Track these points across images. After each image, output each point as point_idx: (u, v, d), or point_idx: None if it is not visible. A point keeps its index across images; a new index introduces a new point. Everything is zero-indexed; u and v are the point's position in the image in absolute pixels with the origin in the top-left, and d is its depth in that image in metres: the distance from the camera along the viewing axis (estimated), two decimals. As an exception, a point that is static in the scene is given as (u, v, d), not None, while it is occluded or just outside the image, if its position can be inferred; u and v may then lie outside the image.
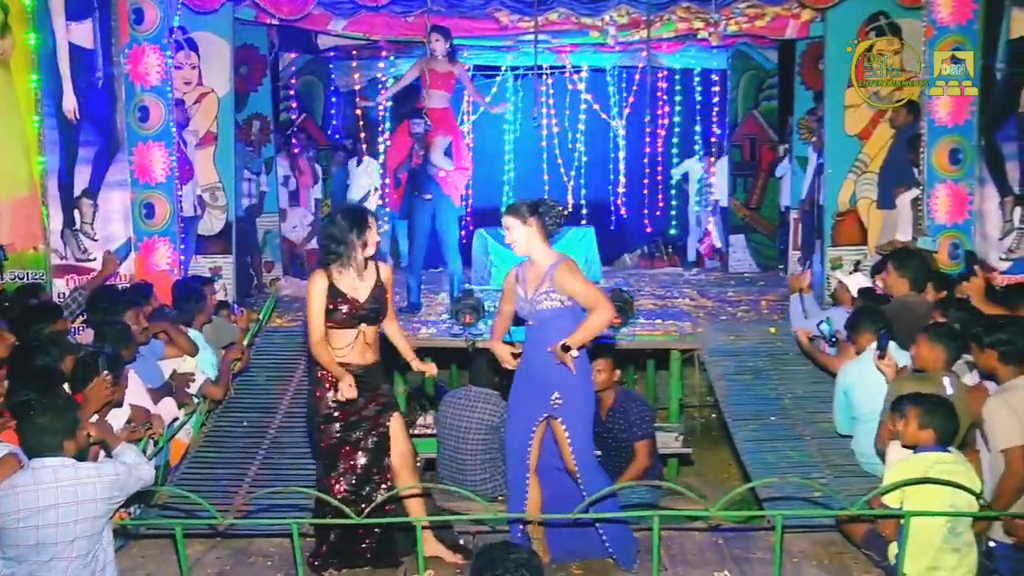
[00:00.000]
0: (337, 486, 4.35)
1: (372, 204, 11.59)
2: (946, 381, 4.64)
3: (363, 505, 4.21)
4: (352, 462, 4.38)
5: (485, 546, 3.01)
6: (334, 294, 4.29)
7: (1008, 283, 6.74)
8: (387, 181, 11.59)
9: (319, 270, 4.35)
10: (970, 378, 4.86)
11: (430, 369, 4.78)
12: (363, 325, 4.34)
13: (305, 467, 5.75)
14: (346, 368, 4.31)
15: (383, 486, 4.37)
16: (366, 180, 10.79)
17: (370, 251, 4.33)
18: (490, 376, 6.57)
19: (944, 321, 5.05)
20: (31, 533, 3.50)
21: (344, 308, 4.29)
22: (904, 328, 5.26)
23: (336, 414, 4.36)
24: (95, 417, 4.44)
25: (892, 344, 5.20)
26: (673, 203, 12.44)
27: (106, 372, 4.49)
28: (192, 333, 6.06)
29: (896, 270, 5.89)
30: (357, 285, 4.32)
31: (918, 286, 5.85)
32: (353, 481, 4.37)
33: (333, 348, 4.34)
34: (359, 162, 10.92)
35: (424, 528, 4.24)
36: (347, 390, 4.25)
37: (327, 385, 4.35)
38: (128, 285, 6.72)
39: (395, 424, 4.43)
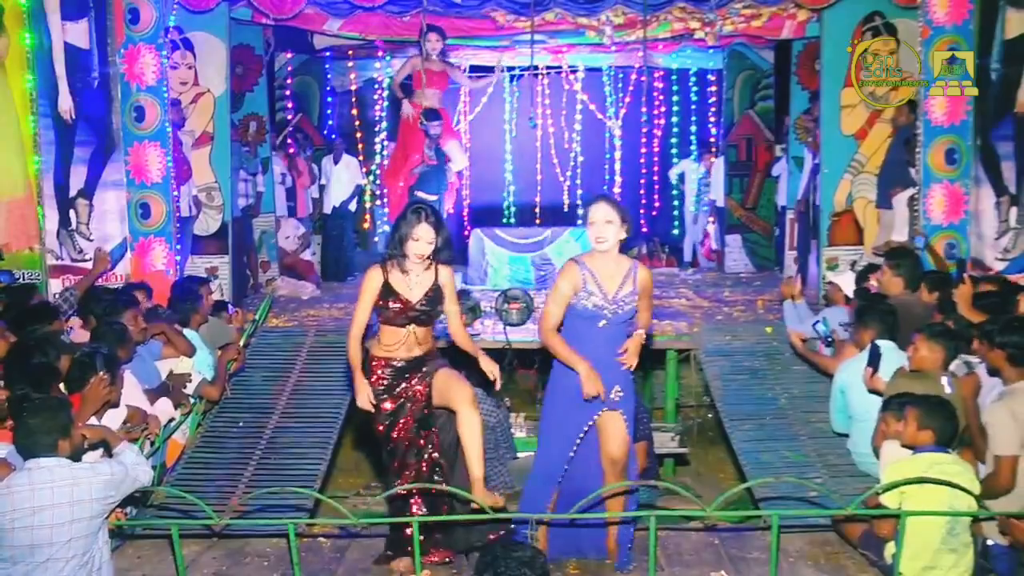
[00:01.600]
0: (406, 472, 4.36)
1: (366, 203, 11.64)
2: (944, 381, 4.65)
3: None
4: (407, 443, 4.37)
5: (487, 544, 2.98)
6: (387, 291, 4.27)
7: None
8: (371, 180, 11.65)
9: (377, 264, 4.33)
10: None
11: (493, 370, 4.44)
12: (412, 326, 4.30)
13: (301, 467, 5.76)
14: (390, 362, 4.32)
15: (436, 453, 4.40)
16: (347, 177, 10.55)
17: (417, 251, 4.22)
18: (487, 376, 6.56)
19: (941, 321, 5.06)
20: (26, 534, 3.49)
21: (396, 307, 4.26)
22: (901, 327, 5.28)
23: (384, 399, 4.35)
24: (93, 419, 4.44)
25: (891, 344, 5.22)
26: (671, 203, 12.45)
27: (103, 372, 4.49)
28: (189, 333, 6.05)
29: (891, 269, 5.92)
30: (412, 285, 4.28)
31: (913, 285, 5.88)
32: (412, 455, 4.37)
33: (383, 343, 4.35)
34: (336, 160, 10.58)
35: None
36: (363, 402, 4.29)
37: (374, 376, 4.34)
38: (122, 285, 6.70)
39: (440, 376, 4.34)
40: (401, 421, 4.34)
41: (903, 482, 3.91)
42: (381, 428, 4.37)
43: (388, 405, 4.33)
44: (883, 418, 4.54)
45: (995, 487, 4.13)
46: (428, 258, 4.27)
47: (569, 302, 4.33)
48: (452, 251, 4.39)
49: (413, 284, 4.28)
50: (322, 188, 10.73)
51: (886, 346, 5.19)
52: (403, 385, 4.34)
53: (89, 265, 6.63)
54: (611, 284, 4.33)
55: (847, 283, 6.52)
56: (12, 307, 5.35)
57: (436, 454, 4.40)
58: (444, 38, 8.17)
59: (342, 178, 10.51)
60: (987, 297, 5.38)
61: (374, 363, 4.37)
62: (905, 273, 5.90)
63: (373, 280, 4.29)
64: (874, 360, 5.07)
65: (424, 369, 4.35)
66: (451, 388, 4.28)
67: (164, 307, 6.26)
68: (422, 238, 4.21)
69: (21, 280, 6.04)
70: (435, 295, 4.30)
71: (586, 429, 4.40)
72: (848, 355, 5.61)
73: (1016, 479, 4.16)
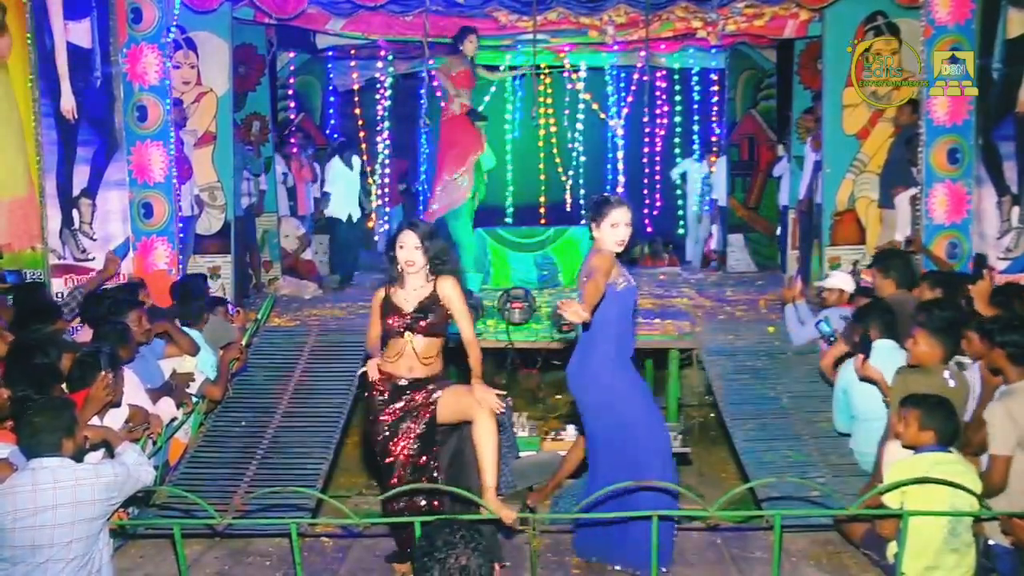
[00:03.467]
0: (396, 481, 4.31)
1: (372, 204, 11.64)
2: (946, 374, 4.66)
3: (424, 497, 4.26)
4: (406, 460, 4.32)
5: (430, 527, 2.76)
6: (387, 307, 4.32)
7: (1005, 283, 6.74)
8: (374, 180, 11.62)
9: (381, 286, 4.41)
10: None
11: (488, 398, 4.24)
12: (408, 334, 4.28)
13: (303, 467, 5.76)
14: (389, 378, 4.31)
15: (437, 474, 4.36)
16: (355, 179, 9.87)
17: (404, 257, 4.24)
18: (491, 376, 6.58)
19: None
20: (27, 534, 3.49)
21: (393, 320, 4.29)
22: (899, 326, 5.29)
23: (382, 411, 4.33)
24: (95, 418, 4.44)
25: (891, 343, 5.22)
26: (673, 203, 12.46)
27: (107, 371, 4.49)
28: (191, 332, 6.05)
29: (880, 273, 5.96)
30: (408, 297, 4.31)
31: (905, 284, 5.89)
32: (410, 473, 4.32)
33: (386, 356, 4.35)
34: (348, 163, 9.67)
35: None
36: (371, 369, 4.30)
37: (374, 388, 4.34)
38: (118, 285, 6.69)
39: (444, 397, 4.30)
40: (400, 435, 4.30)
41: (905, 482, 3.91)
42: (379, 439, 4.35)
43: (386, 418, 4.32)
44: (895, 414, 4.54)
45: (988, 486, 4.14)
46: (426, 270, 4.28)
47: (609, 290, 4.38)
48: (453, 263, 4.38)
49: (410, 296, 4.31)
50: (323, 188, 10.30)
51: (884, 345, 5.19)
52: (404, 399, 4.31)
53: (92, 264, 6.64)
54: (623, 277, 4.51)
55: (843, 282, 6.53)
56: (18, 306, 5.36)
57: (436, 474, 4.35)
58: (479, 38, 8.26)
59: (353, 181, 9.90)
60: (1003, 293, 5.38)
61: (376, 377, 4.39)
62: (895, 275, 5.92)
63: (376, 299, 4.39)
64: (864, 348, 5.08)
65: (429, 387, 4.32)
66: (466, 398, 4.24)
67: (171, 307, 6.25)
68: (406, 244, 4.25)
69: (27, 279, 6.03)
70: (430, 304, 4.29)
71: None
72: (838, 350, 5.63)
73: (1008, 479, 4.16)
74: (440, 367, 4.42)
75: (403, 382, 4.31)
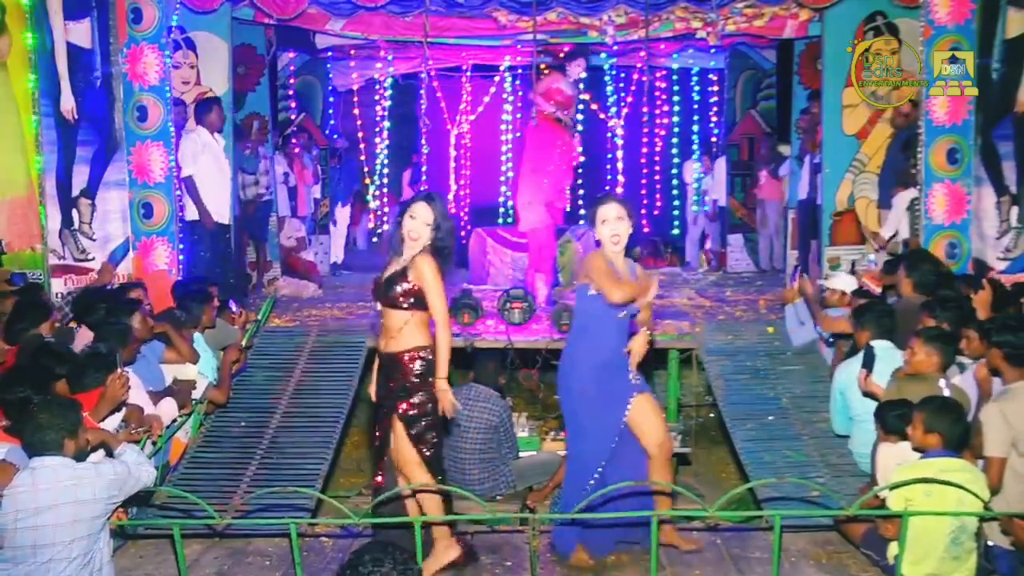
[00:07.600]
0: (379, 477, 4.42)
1: (369, 203, 11.60)
2: (941, 383, 4.64)
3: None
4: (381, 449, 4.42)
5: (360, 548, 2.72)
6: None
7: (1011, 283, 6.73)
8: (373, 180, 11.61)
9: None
10: (959, 379, 4.86)
11: (447, 408, 4.26)
12: (379, 305, 4.29)
13: (303, 467, 5.76)
14: (377, 351, 4.38)
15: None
16: (213, 162, 7.76)
17: (410, 227, 4.19)
18: (495, 376, 6.59)
19: (934, 324, 5.05)
20: (29, 534, 3.49)
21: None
22: (902, 328, 5.29)
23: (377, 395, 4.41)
24: (105, 422, 4.45)
25: (887, 344, 5.22)
26: (673, 203, 12.46)
27: (122, 370, 4.49)
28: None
29: (905, 268, 5.96)
30: (390, 268, 4.31)
31: (923, 289, 5.87)
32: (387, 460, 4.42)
33: None
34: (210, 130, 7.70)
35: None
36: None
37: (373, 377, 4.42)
38: (117, 286, 6.67)
39: (396, 426, 4.31)
40: (381, 421, 4.38)
41: (907, 481, 3.90)
42: (373, 423, 4.47)
43: (376, 400, 4.42)
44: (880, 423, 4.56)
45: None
46: (426, 245, 4.23)
47: (581, 290, 4.42)
48: (450, 250, 4.32)
49: (393, 268, 4.28)
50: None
51: (881, 346, 5.19)
52: (385, 388, 4.34)
53: (91, 264, 6.64)
54: (626, 278, 4.44)
55: (844, 284, 6.53)
56: (15, 307, 5.35)
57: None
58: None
59: (207, 169, 7.72)
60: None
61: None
62: (917, 276, 5.91)
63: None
64: (868, 362, 5.08)
65: (393, 385, 4.27)
66: (400, 447, 4.26)
67: (172, 310, 6.23)
68: (418, 216, 4.20)
69: (29, 280, 6.03)
70: (396, 276, 4.22)
71: (625, 420, 4.44)
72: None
73: (1003, 480, 4.16)
74: (414, 342, 4.24)
75: (382, 355, 4.33)
